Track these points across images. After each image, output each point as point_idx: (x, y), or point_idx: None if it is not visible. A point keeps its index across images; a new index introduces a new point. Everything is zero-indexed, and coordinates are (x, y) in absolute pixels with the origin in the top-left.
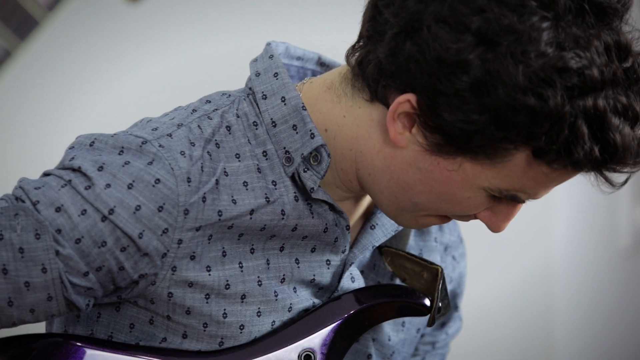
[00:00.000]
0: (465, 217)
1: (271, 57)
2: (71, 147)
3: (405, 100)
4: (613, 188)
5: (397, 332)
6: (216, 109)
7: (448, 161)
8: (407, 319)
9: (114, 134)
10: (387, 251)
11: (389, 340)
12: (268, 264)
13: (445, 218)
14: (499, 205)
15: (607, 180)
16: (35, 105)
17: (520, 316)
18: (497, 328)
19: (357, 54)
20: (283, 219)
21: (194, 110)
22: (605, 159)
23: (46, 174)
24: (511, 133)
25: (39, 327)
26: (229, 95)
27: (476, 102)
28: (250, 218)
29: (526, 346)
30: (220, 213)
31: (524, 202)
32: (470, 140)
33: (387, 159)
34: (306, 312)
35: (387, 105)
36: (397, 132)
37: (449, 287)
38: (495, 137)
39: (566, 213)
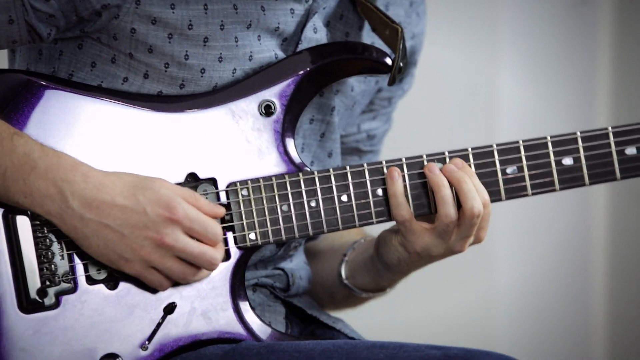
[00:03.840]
0: None
1: None
2: None
3: None
4: None
5: (359, 82)
6: None
7: None
8: None
9: None
10: (358, 0)
11: (352, 90)
12: (236, 9)
13: None
14: None
15: None
16: None
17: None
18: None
19: None
20: None
21: None
22: None
23: None
24: None
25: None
26: None
27: None
28: None
29: (472, 90)
30: None
31: None
32: None
33: None
34: (268, 65)
35: None
36: None
37: (410, 43)
38: None
39: None
